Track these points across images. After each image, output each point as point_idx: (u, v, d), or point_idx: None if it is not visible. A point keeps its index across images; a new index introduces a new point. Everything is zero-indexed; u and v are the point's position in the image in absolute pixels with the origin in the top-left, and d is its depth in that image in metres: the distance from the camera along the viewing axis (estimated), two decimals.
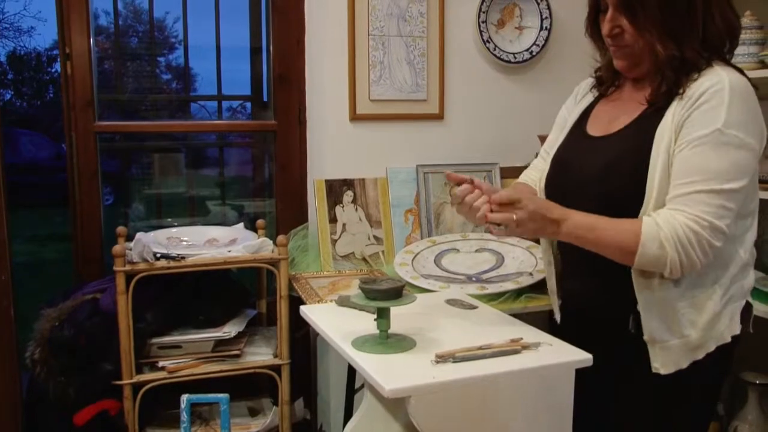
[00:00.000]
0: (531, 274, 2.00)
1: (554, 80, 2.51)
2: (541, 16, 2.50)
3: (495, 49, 2.47)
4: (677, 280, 1.29)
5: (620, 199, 1.30)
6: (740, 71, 1.29)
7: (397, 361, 1.18)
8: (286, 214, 2.46)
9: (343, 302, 1.51)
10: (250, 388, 2.18)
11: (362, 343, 1.26)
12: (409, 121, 2.42)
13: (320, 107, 2.38)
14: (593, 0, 1.38)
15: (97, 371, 1.85)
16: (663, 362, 1.31)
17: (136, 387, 1.86)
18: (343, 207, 2.32)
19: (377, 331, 1.26)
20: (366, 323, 1.33)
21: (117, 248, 1.82)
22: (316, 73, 2.40)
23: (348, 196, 2.33)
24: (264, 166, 2.73)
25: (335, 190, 2.32)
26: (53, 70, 13.20)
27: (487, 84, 2.50)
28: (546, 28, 2.50)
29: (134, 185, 2.86)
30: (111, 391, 1.87)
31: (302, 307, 1.53)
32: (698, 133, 1.22)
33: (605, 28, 1.33)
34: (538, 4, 2.49)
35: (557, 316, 1.58)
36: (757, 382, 2.09)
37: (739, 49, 1.96)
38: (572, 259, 1.49)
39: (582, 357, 1.21)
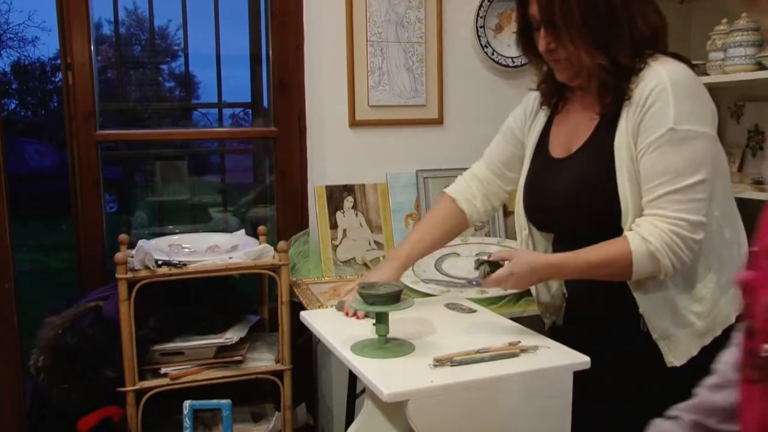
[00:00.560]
0: None
1: None
2: None
3: (493, 54, 2.48)
4: (671, 278, 1.31)
5: (599, 215, 1.33)
6: (679, 58, 1.32)
7: (396, 365, 1.19)
8: (287, 221, 2.47)
9: (342, 307, 1.52)
10: (253, 394, 2.19)
11: (361, 348, 1.27)
12: (409, 127, 2.43)
13: (320, 114, 2.40)
14: (522, 19, 1.40)
15: (100, 378, 1.86)
16: (676, 355, 1.34)
17: (139, 394, 1.87)
18: (343, 213, 2.33)
19: (376, 336, 1.27)
20: (365, 328, 1.34)
21: (119, 256, 1.84)
22: (315, 79, 2.41)
23: (348, 201, 2.34)
24: (265, 172, 2.75)
25: (336, 196, 2.33)
26: (57, 80, 13.26)
27: (486, 88, 2.51)
28: None
29: (137, 193, 2.88)
30: (114, 398, 1.88)
31: (302, 313, 1.54)
32: (653, 136, 1.26)
33: (540, 45, 1.36)
34: None
35: (548, 321, 1.59)
36: None
37: (736, 51, 1.97)
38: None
39: (580, 360, 1.22)
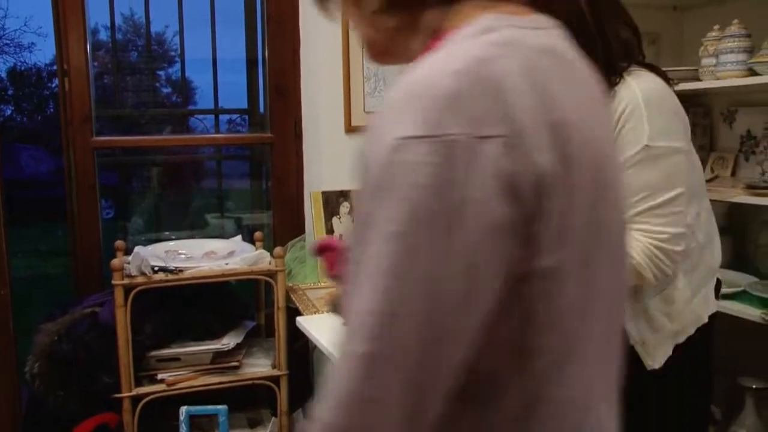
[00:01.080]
0: None
1: None
2: None
3: None
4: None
5: None
6: (654, 70, 1.32)
7: None
8: (284, 226, 2.47)
9: (337, 308, 1.52)
10: (249, 400, 2.19)
11: None
12: None
13: (316, 119, 2.41)
14: None
15: (96, 384, 1.87)
16: (653, 358, 1.36)
17: (136, 400, 1.87)
18: (339, 218, 2.34)
19: None
20: None
21: (115, 262, 1.84)
22: (311, 85, 2.42)
23: (344, 207, 2.35)
24: (261, 178, 2.76)
25: (332, 201, 2.34)
26: (53, 86, 13.27)
27: None
28: None
29: (133, 199, 2.88)
30: (110, 404, 1.88)
31: (299, 318, 1.55)
32: (629, 154, 1.26)
33: None
34: None
35: None
36: (754, 386, 2.09)
37: (727, 58, 1.99)
38: None
39: None
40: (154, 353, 1.94)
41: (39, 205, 8.52)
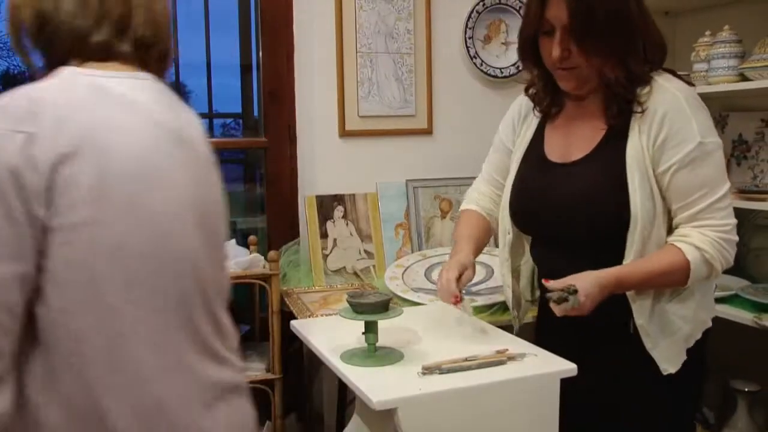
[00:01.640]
0: None
1: None
2: None
3: (482, 65, 2.50)
4: None
5: (604, 224, 1.34)
6: (675, 75, 1.36)
7: (385, 373, 1.20)
8: (278, 230, 2.47)
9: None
10: None
11: (350, 356, 1.28)
12: (398, 137, 2.45)
13: (310, 124, 2.41)
14: (536, 20, 1.34)
15: None
16: (670, 362, 1.37)
17: None
18: (333, 222, 2.34)
19: (366, 345, 1.28)
20: (355, 337, 1.35)
21: None
22: (305, 90, 2.43)
23: (338, 211, 2.35)
24: (255, 182, 2.76)
25: (326, 205, 2.34)
26: None
27: (475, 99, 2.53)
28: None
29: None
30: None
31: (293, 322, 1.55)
32: (683, 152, 1.29)
33: (555, 50, 1.31)
34: None
35: (517, 327, 1.62)
36: (746, 389, 2.11)
37: (719, 63, 2.01)
38: (553, 273, 1.42)
39: (566, 367, 1.24)
40: None
41: None
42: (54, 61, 0.92)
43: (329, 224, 2.34)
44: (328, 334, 1.42)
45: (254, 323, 2.24)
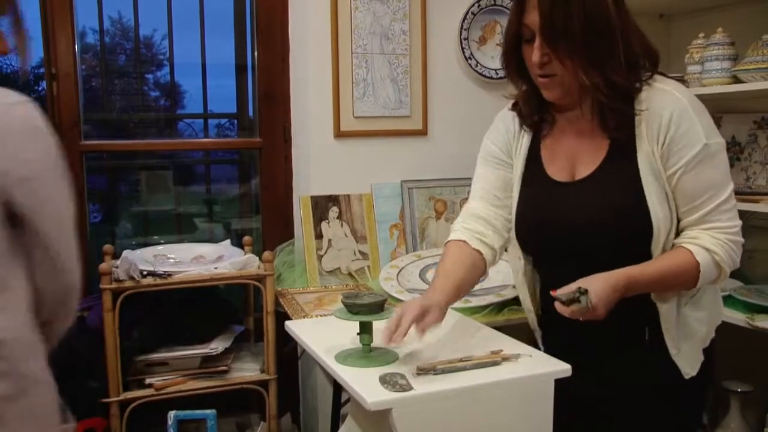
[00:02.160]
0: (514, 287, 2.02)
1: None
2: None
3: (477, 66, 2.51)
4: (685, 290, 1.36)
5: (629, 237, 1.32)
6: (671, 78, 1.36)
7: (380, 374, 1.20)
8: (273, 231, 2.48)
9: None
10: (238, 404, 2.19)
11: (345, 356, 1.28)
12: (393, 138, 2.46)
13: (305, 124, 2.41)
14: (515, 27, 1.32)
15: (83, 389, 1.86)
16: (691, 365, 1.38)
17: (123, 404, 1.86)
18: (328, 223, 2.34)
19: (360, 345, 1.29)
20: (350, 337, 1.35)
21: (104, 266, 1.84)
22: (300, 90, 2.43)
23: (333, 212, 2.35)
24: (250, 183, 2.76)
25: (321, 206, 2.34)
26: (40, 89, 13.16)
27: (470, 100, 2.54)
28: None
29: (121, 203, 2.86)
30: (98, 409, 1.87)
31: (287, 323, 1.55)
32: (690, 155, 1.28)
33: (535, 55, 1.29)
34: None
35: (537, 327, 1.59)
36: (739, 390, 2.12)
37: (712, 65, 2.02)
38: (563, 279, 1.37)
39: (561, 368, 1.24)
40: (142, 357, 1.93)
41: None
42: None
43: (324, 225, 2.34)
44: (323, 335, 1.42)
45: (249, 324, 2.24)
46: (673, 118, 1.28)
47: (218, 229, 2.77)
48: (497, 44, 2.55)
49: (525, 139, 1.47)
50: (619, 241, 1.32)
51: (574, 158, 1.39)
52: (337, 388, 2.12)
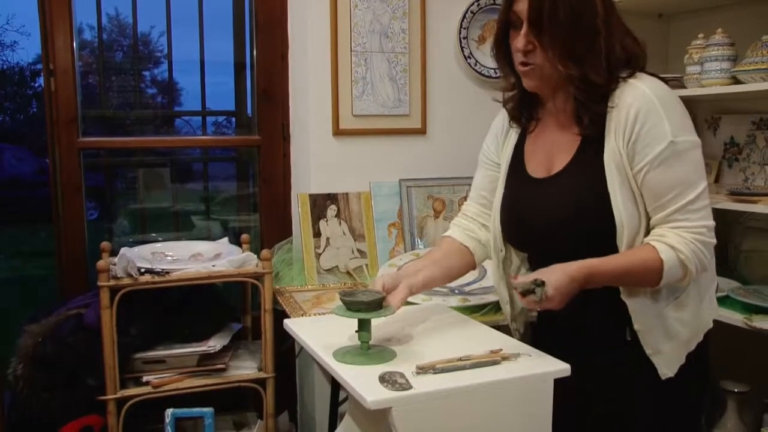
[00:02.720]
0: None
1: None
2: None
3: (476, 65, 2.51)
4: (663, 291, 1.34)
5: (592, 235, 1.33)
6: (653, 75, 1.35)
7: (378, 372, 1.20)
8: (271, 229, 2.47)
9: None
10: (235, 402, 2.18)
11: (343, 354, 1.28)
12: (392, 136, 2.45)
13: (304, 122, 2.41)
14: (505, 15, 1.36)
15: (80, 387, 1.85)
16: (668, 366, 1.37)
17: (121, 402, 1.86)
18: (326, 221, 2.34)
19: (359, 343, 1.28)
20: (348, 336, 1.35)
21: (101, 263, 1.83)
22: (299, 88, 2.43)
23: (332, 210, 2.35)
24: (248, 180, 2.75)
25: (319, 204, 2.34)
26: (37, 85, 13.11)
27: (469, 99, 2.54)
28: None
29: (119, 200, 2.86)
30: (95, 407, 1.87)
31: (285, 321, 1.54)
32: (655, 152, 1.27)
33: (520, 41, 1.32)
34: None
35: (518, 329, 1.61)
36: (736, 390, 2.12)
37: (712, 65, 2.02)
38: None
39: (560, 367, 1.24)
40: (139, 355, 1.93)
41: (21, 206, 8.43)
42: None
43: (322, 223, 2.33)
44: (321, 333, 1.42)
45: (246, 322, 2.23)
46: (639, 115, 1.28)
47: (216, 226, 2.77)
48: None
49: (513, 137, 1.53)
50: (583, 238, 1.34)
51: (552, 153, 1.42)
52: (335, 386, 2.11)
